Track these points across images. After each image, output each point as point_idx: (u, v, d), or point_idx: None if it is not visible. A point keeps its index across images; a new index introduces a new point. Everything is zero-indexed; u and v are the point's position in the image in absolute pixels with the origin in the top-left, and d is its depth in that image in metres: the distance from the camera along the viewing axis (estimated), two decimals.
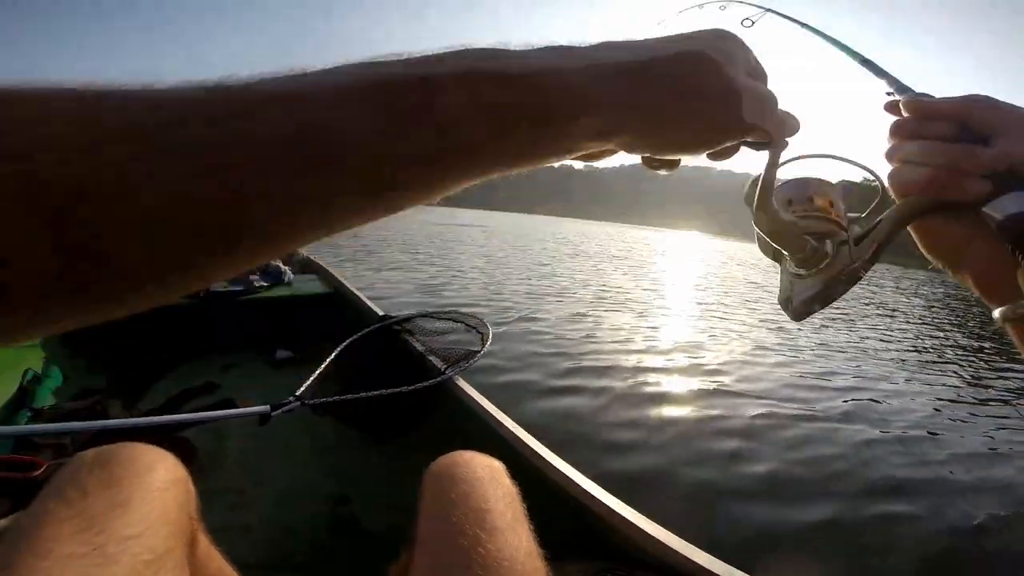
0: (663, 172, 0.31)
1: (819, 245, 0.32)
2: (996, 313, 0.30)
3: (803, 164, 0.34)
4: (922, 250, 0.34)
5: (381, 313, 2.34)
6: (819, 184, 0.33)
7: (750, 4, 0.55)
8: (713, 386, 3.60)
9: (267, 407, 1.28)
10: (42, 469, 1.16)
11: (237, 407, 1.39)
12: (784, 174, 0.32)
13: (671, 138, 0.27)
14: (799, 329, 6.05)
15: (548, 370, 3.52)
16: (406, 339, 2.05)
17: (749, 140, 0.29)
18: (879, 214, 0.33)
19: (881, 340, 6.44)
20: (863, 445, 2.83)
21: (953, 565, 1.90)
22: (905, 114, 0.34)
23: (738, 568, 0.87)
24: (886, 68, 0.37)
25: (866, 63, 0.39)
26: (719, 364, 4.23)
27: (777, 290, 0.35)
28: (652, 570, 0.92)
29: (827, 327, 6.76)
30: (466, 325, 2.23)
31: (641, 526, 0.96)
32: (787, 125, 0.29)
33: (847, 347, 5.64)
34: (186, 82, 0.20)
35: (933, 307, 11.75)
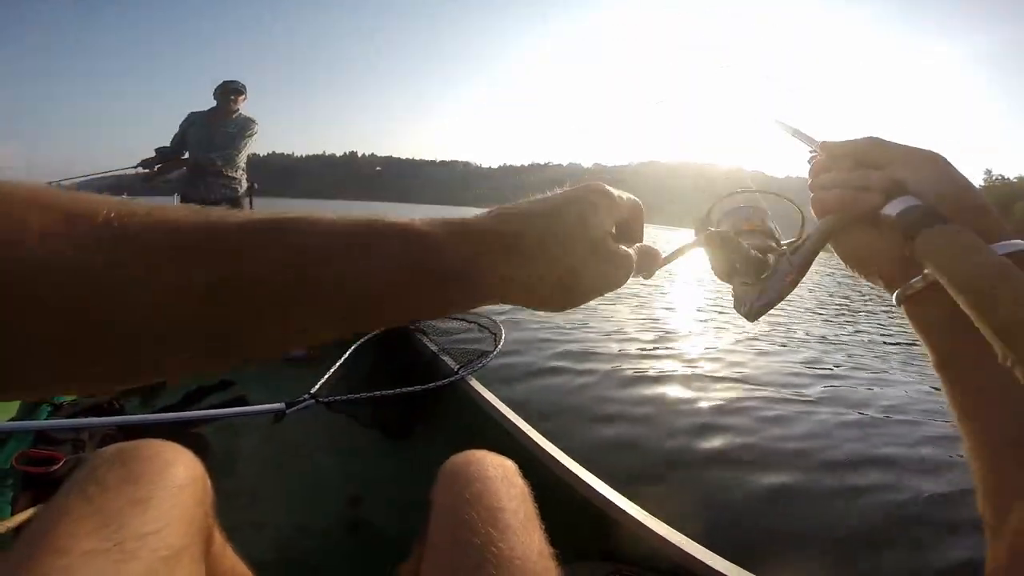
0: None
1: (763, 258, 0.40)
2: (893, 297, 0.39)
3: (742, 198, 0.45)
4: (841, 260, 0.43)
5: None
6: (755, 211, 0.43)
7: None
8: (722, 382, 3.58)
9: (282, 405, 1.29)
10: (60, 464, 1.18)
11: (251, 405, 1.40)
12: (729, 204, 0.44)
13: (546, 306, 0.34)
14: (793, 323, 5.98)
15: (561, 371, 3.52)
16: (420, 339, 2.06)
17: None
18: (803, 234, 0.42)
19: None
20: (864, 426, 2.81)
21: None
22: (820, 155, 0.44)
23: (750, 572, 0.86)
24: (810, 135, 0.46)
25: (797, 133, 0.47)
26: (728, 360, 4.20)
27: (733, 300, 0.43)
28: (662, 571, 0.91)
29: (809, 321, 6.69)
30: (479, 326, 2.23)
31: (653, 528, 0.95)
32: (650, 265, 0.39)
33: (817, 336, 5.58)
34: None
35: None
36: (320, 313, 0.25)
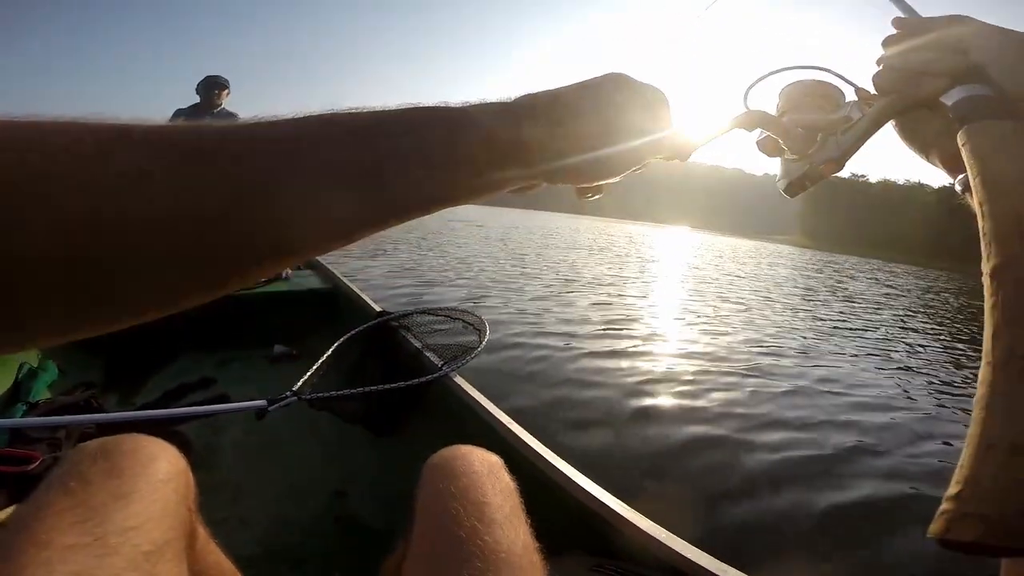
0: (593, 197, 0.38)
1: (808, 133, 0.38)
2: (957, 186, 0.35)
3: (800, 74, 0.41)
4: (901, 139, 0.40)
5: (378, 309, 2.34)
6: (823, 86, 0.40)
7: None
8: (708, 373, 3.62)
9: (264, 402, 1.28)
10: (37, 463, 1.16)
11: (233, 402, 1.39)
12: (785, 78, 0.41)
13: (576, 174, 0.33)
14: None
15: (545, 366, 3.53)
16: (403, 335, 2.05)
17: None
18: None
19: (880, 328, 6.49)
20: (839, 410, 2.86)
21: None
22: (896, 30, 0.40)
23: (731, 565, 0.87)
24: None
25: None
26: (713, 353, 4.26)
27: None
28: (646, 566, 0.92)
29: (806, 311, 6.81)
30: (463, 322, 2.23)
31: (636, 523, 0.97)
32: (684, 145, 0.37)
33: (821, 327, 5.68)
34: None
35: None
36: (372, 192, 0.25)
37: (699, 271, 14.09)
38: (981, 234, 0.26)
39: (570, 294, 7.12)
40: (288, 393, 1.35)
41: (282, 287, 2.69)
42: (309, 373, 1.48)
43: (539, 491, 0.78)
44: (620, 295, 7.73)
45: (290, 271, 2.88)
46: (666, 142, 0.35)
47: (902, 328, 8.06)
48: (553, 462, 1.14)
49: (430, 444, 0.78)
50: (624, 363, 3.95)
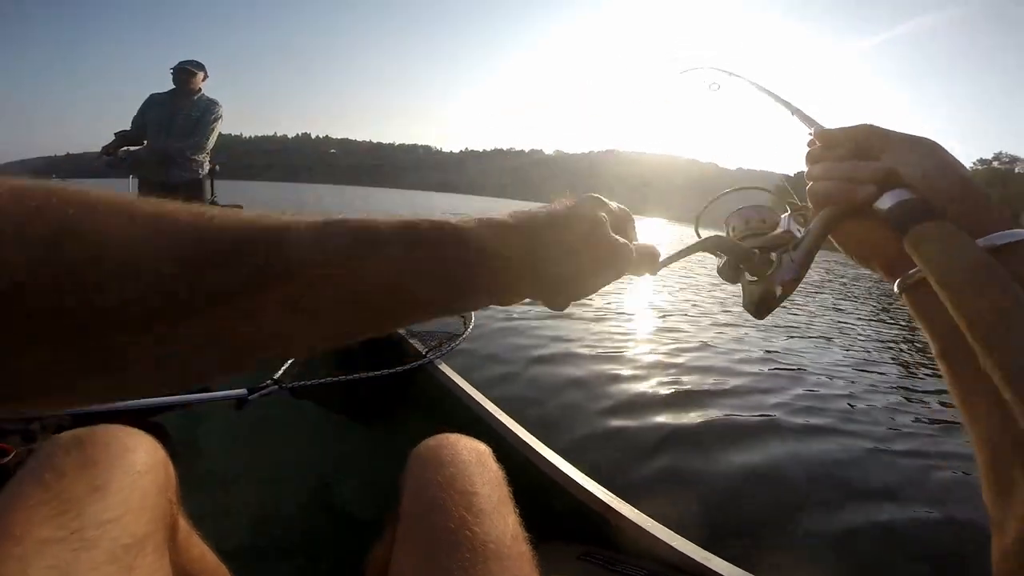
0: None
1: (764, 255, 0.41)
2: (895, 287, 0.38)
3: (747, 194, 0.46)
4: (842, 251, 0.43)
5: None
6: (759, 210, 0.44)
7: (719, 70, 0.64)
8: (697, 369, 3.66)
9: (244, 391, 1.26)
10: (10, 456, 1.13)
11: (212, 391, 1.36)
12: (733, 204, 0.45)
13: (557, 293, 0.36)
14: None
15: (529, 353, 3.53)
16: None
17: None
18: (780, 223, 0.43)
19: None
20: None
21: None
22: (816, 143, 0.43)
23: (714, 554, 0.88)
24: (812, 116, 0.47)
25: (796, 112, 0.48)
26: (698, 340, 4.31)
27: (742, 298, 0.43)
28: (634, 554, 0.93)
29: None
30: None
31: (623, 512, 0.97)
32: (651, 265, 0.41)
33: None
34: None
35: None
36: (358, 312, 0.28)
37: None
38: (963, 329, 0.28)
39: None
40: (269, 382, 1.33)
41: None
42: (291, 361, 1.45)
43: (527, 479, 0.78)
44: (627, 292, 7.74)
45: None
46: (638, 266, 0.39)
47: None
48: (540, 451, 1.15)
49: (416, 432, 0.77)
50: (611, 350, 3.97)
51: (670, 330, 5.03)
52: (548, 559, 0.63)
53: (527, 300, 0.36)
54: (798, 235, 0.41)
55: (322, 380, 1.42)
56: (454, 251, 0.30)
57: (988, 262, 0.29)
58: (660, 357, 4.01)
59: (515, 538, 0.59)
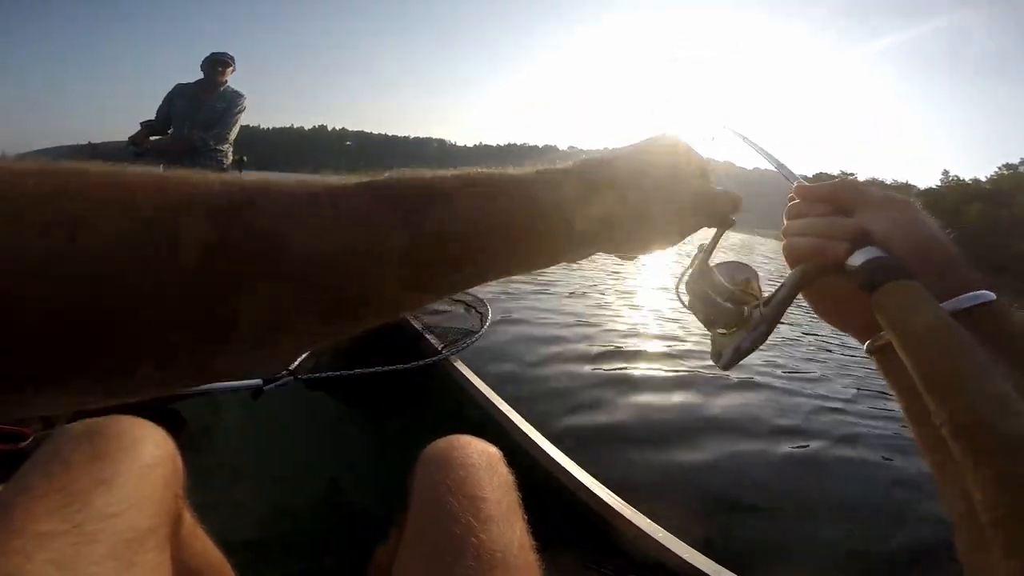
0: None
1: (737, 309, 0.41)
2: (864, 347, 0.38)
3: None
4: (816, 314, 0.43)
5: None
6: (737, 267, 0.45)
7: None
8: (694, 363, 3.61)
9: (259, 381, 1.27)
10: (29, 440, 1.15)
11: (229, 379, 1.37)
12: (713, 260, 0.46)
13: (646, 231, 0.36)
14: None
15: (550, 354, 3.50)
16: (405, 317, 2.03)
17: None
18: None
19: None
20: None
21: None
22: (795, 199, 0.44)
23: (727, 568, 0.86)
24: (791, 169, 0.49)
25: (780, 167, 0.50)
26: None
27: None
28: (642, 564, 0.91)
29: None
30: (466, 305, 2.21)
31: (634, 520, 0.96)
32: (733, 208, 0.40)
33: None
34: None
35: None
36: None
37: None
38: (921, 391, 0.28)
39: (574, 280, 7.10)
40: (284, 372, 1.33)
41: None
42: (307, 352, 1.46)
43: (537, 484, 0.76)
44: (619, 281, 7.71)
45: None
46: (721, 217, 0.40)
47: None
48: (552, 454, 1.13)
49: (428, 429, 0.76)
50: (631, 350, 3.93)
51: (699, 332, 4.97)
52: (555, 566, 0.62)
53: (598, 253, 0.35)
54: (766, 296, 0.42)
55: (337, 372, 1.42)
56: (509, 203, 0.28)
57: (948, 324, 0.29)
58: (684, 357, 3.95)
59: (522, 547, 0.57)
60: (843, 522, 2.04)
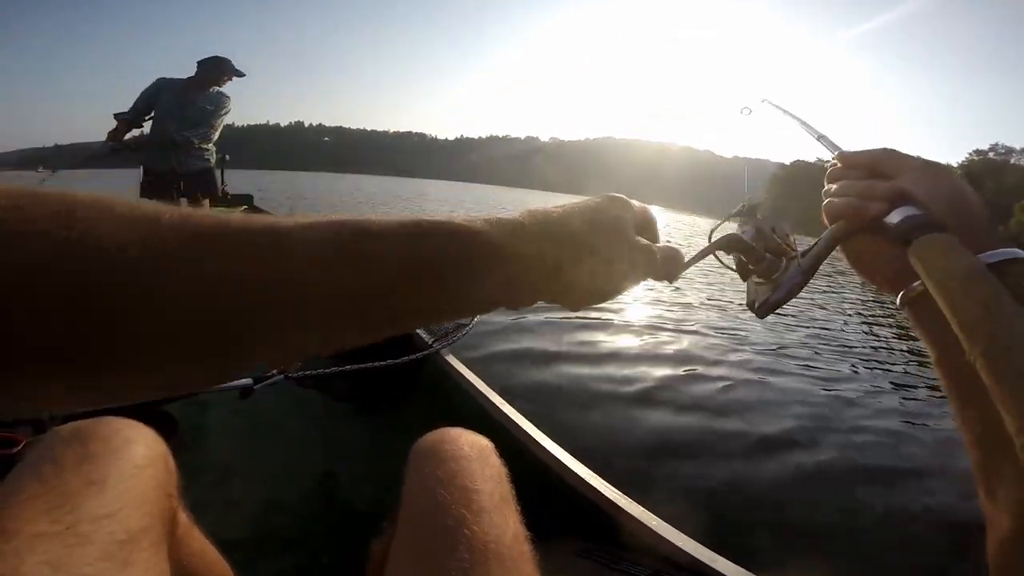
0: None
1: (775, 259, 0.43)
2: (897, 300, 0.41)
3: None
4: (850, 265, 0.45)
5: None
6: (778, 220, 0.46)
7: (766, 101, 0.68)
8: (714, 367, 3.64)
9: (249, 380, 1.26)
10: (20, 446, 1.13)
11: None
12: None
13: (576, 296, 0.36)
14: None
15: (540, 347, 3.52)
16: None
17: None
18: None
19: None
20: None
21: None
22: (836, 164, 0.47)
23: (720, 554, 0.87)
24: (836, 142, 0.50)
25: (822, 138, 0.53)
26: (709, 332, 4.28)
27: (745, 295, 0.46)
28: (636, 552, 0.92)
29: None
30: None
31: (627, 509, 0.96)
32: (673, 269, 0.40)
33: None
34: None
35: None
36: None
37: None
38: (955, 328, 0.30)
39: None
40: (275, 371, 1.32)
41: None
42: None
43: (531, 475, 0.77)
44: None
45: None
46: (660, 270, 0.39)
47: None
48: (545, 445, 1.13)
49: (420, 424, 0.76)
50: (622, 343, 3.95)
51: (689, 325, 5.00)
52: (549, 556, 0.62)
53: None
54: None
55: (327, 370, 1.42)
56: (457, 249, 0.29)
57: (981, 269, 0.32)
58: (676, 352, 3.97)
59: (516, 538, 0.57)
60: (846, 510, 2.06)
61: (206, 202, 3.61)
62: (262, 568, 1.15)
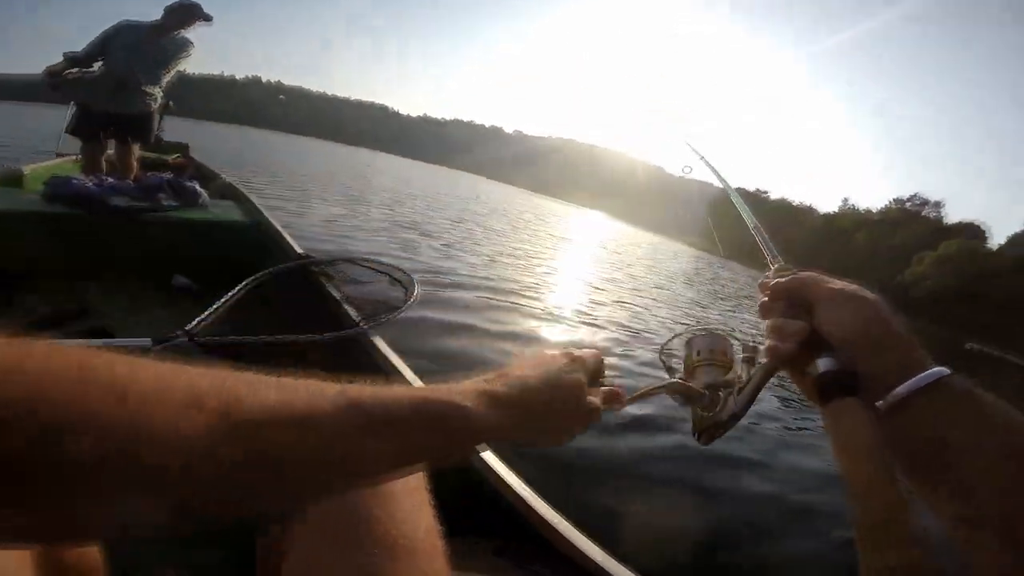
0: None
1: (714, 395, 0.48)
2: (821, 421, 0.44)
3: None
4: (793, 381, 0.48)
5: (301, 251, 2.16)
6: (714, 339, 0.52)
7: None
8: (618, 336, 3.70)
9: (148, 340, 1.13)
10: None
11: (115, 338, 1.22)
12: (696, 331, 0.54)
13: (541, 442, 0.45)
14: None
15: (477, 335, 3.46)
16: (324, 283, 1.90)
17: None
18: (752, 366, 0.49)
19: None
20: None
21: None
22: (761, 292, 0.50)
23: (625, 565, 0.87)
24: (775, 251, 0.56)
25: (764, 243, 0.57)
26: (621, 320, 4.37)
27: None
28: (547, 553, 0.90)
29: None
30: (391, 278, 2.11)
31: (539, 509, 0.95)
32: (615, 404, 0.51)
33: None
34: None
35: None
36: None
37: (616, 254, 14.53)
38: (848, 488, 0.35)
39: (507, 263, 7.08)
40: (179, 332, 1.19)
41: (196, 215, 2.40)
42: (208, 312, 1.32)
43: (448, 470, 0.71)
44: (549, 271, 7.79)
45: (207, 198, 2.58)
46: (606, 411, 0.49)
47: None
48: None
49: None
50: (555, 339, 3.96)
51: (630, 319, 5.08)
52: (463, 553, 0.59)
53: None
54: (742, 378, 0.48)
55: (240, 339, 1.29)
56: (459, 428, 0.37)
57: (870, 447, 0.36)
58: (616, 347, 4.03)
59: (428, 532, 0.54)
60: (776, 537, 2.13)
61: (136, 147, 3.37)
62: (150, 565, 1.02)
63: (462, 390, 0.38)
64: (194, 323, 1.25)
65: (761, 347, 0.48)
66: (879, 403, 0.40)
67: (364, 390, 0.33)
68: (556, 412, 0.44)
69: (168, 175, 2.64)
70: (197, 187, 2.53)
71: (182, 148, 5.41)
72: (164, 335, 1.16)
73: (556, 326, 4.43)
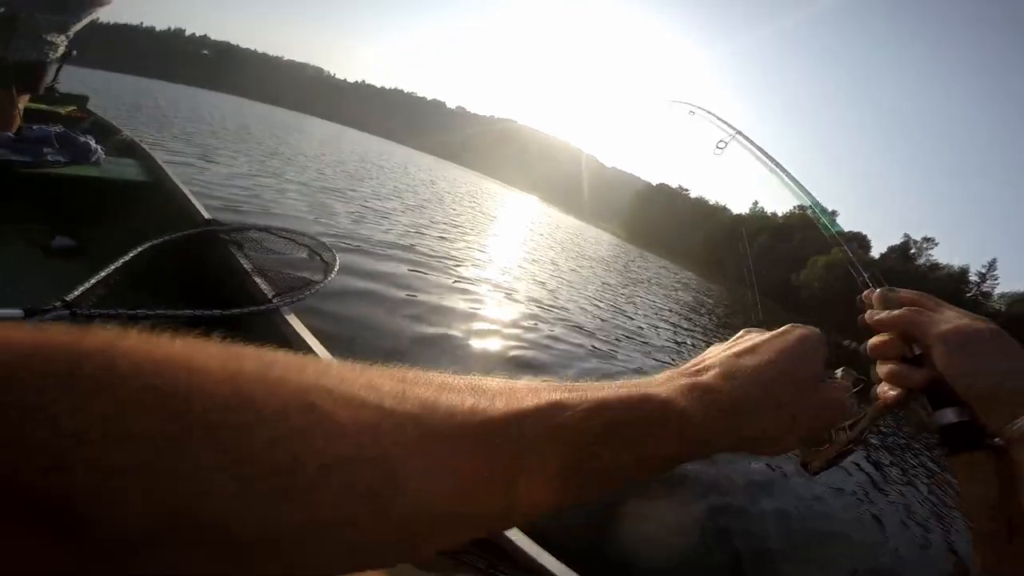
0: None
1: (827, 432, 0.46)
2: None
3: None
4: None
5: (207, 216, 1.99)
6: (848, 373, 0.47)
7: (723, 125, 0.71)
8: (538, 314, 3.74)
9: (19, 311, 0.98)
10: None
11: None
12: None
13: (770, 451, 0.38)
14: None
15: (396, 317, 3.36)
16: (232, 252, 1.75)
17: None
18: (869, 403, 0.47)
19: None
20: None
21: None
22: (868, 320, 0.48)
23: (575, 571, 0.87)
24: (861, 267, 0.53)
25: (853, 257, 0.56)
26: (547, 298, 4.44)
27: None
28: (507, 560, 0.89)
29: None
30: (310, 250, 1.99)
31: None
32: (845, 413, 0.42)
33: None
34: None
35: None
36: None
37: (547, 237, 14.75)
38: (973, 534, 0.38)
39: (440, 244, 6.95)
40: (57, 303, 1.05)
41: (87, 172, 2.13)
42: (93, 281, 1.17)
43: None
44: (481, 251, 7.74)
45: (102, 154, 2.30)
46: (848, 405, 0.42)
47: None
48: None
49: None
50: (477, 324, 3.93)
51: (547, 296, 5.13)
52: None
53: None
54: (855, 411, 0.46)
55: (133, 311, 1.15)
56: (657, 438, 0.31)
57: (996, 502, 0.37)
58: (527, 320, 4.05)
59: None
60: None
61: (24, 98, 2.94)
62: None
63: (662, 389, 0.33)
64: (78, 292, 1.10)
65: (859, 349, 0.48)
66: (1001, 435, 0.38)
67: (575, 389, 0.29)
68: (782, 400, 0.36)
69: (57, 128, 2.33)
70: (92, 142, 2.25)
71: (80, 101, 4.84)
72: (38, 306, 1.02)
73: (479, 303, 4.40)
